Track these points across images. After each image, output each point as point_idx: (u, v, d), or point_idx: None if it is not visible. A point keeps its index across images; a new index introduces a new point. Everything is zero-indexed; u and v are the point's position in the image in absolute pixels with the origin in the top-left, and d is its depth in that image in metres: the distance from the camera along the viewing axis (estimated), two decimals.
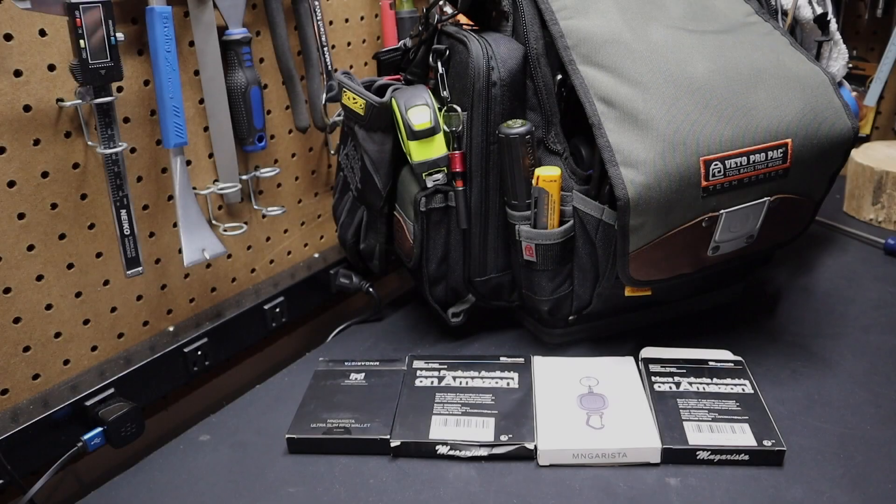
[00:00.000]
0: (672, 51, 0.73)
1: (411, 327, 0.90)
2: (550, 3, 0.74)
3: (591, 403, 0.70)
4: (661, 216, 0.69)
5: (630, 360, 0.77)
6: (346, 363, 0.79)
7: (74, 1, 0.64)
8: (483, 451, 0.66)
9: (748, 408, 0.69)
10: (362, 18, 1.01)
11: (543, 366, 0.77)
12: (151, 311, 0.83)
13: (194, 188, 0.82)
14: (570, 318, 0.81)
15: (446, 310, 0.84)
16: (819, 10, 0.94)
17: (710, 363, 0.76)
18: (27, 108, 0.67)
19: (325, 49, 0.92)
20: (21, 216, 0.69)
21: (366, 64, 1.03)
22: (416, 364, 0.78)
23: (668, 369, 0.75)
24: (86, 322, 0.76)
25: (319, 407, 0.72)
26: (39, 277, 0.71)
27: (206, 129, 0.84)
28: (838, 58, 0.97)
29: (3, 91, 0.66)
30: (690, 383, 0.72)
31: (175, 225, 0.82)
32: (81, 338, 0.76)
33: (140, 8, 0.73)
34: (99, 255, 0.76)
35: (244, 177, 0.88)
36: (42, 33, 0.67)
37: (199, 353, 0.83)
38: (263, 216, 0.93)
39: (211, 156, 0.85)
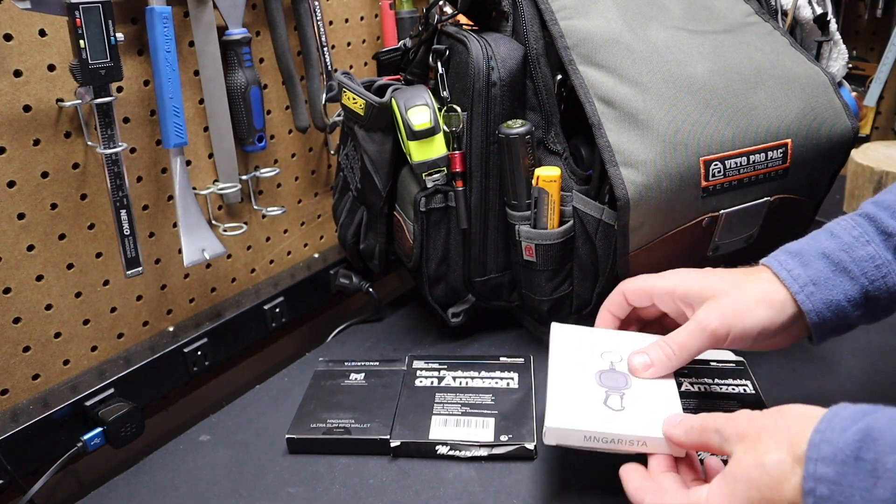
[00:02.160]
0: (672, 51, 0.73)
1: (411, 327, 0.90)
2: (550, 3, 0.74)
3: (612, 381, 0.61)
4: (661, 216, 0.69)
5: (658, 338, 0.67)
6: (345, 363, 0.79)
7: (74, 1, 0.64)
8: (483, 452, 0.66)
9: (750, 408, 0.69)
10: (362, 18, 1.01)
11: (562, 335, 0.66)
12: (151, 311, 0.83)
13: (194, 188, 0.82)
14: (570, 318, 0.81)
15: (446, 310, 0.84)
16: (819, 11, 0.94)
17: (712, 363, 0.76)
18: (27, 109, 0.67)
19: (325, 49, 0.92)
20: (21, 216, 0.69)
21: (366, 64, 1.03)
22: (416, 364, 0.78)
23: None
24: (86, 322, 0.76)
25: (319, 407, 0.72)
26: (39, 277, 0.71)
27: (205, 129, 0.84)
28: (838, 58, 0.97)
29: (2, 91, 0.66)
30: (692, 383, 0.72)
31: (175, 225, 0.82)
32: (81, 338, 0.76)
33: (140, 8, 0.73)
34: (99, 255, 0.76)
35: (244, 177, 0.88)
36: (42, 33, 0.67)
37: (199, 353, 0.83)
38: (263, 216, 0.93)
39: (211, 156, 0.85)
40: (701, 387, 0.72)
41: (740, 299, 0.59)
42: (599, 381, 0.61)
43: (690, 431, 0.53)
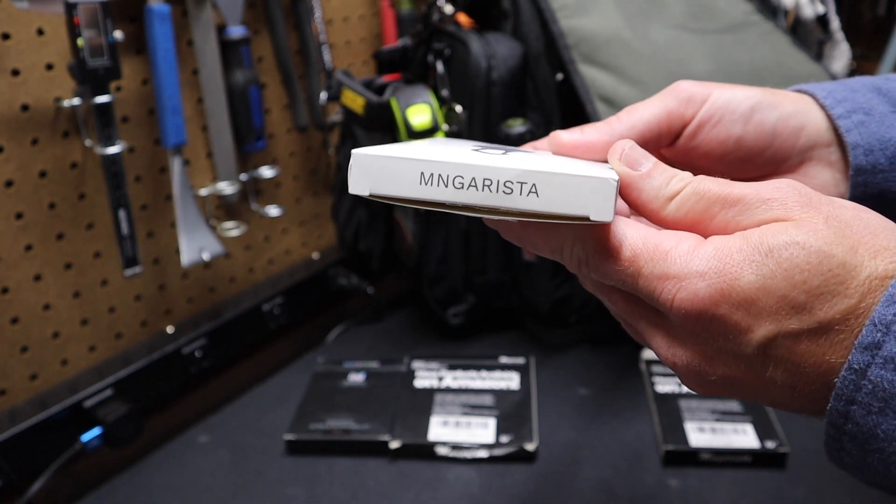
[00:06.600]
0: (673, 50, 0.73)
1: (411, 328, 0.90)
2: (550, 3, 0.74)
3: (489, 148, 0.40)
4: None
5: None
6: (345, 364, 0.79)
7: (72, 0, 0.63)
8: (483, 453, 0.66)
9: (751, 407, 0.69)
10: (361, 17, 1.00)
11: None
12: (150, 311, 0.82)
13: (193, 188, 0.82)
14: (571, 318, 0.80)
15: (446, 310, 0.83)
16: (820, 10, 0.93)
17: None
18: (25, 108, 0.67)
19: (325, 48, 0.92)
20: (19, 216, 0.69)
21: (365, 63, 1.03)
22: (416, 365, 0.78)
23: (670, 370, 0.74)
24: (84, 322, 0.76)
25: (319, 408, 0.72)
26: (37, 277, 0.71)
27: (204, 128, 0.83)
28: (839, 57, 0.97)
29: (0, 90, 0.65)
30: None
31: (173, 225, 0.82)
32: (80, 338, 0.76)
33: (139, 7, 0.73)
34: (97, 254, 0.76)
35: (243, 176, 0.88)
36: (40, 32, 0.67)
37: (198, 353, 0.83)
38: (262, 216, 0.92)
39: (209, 155, 0.85)
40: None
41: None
42: (471, 147, 0.39)
43: (683, 193, 0.33)
